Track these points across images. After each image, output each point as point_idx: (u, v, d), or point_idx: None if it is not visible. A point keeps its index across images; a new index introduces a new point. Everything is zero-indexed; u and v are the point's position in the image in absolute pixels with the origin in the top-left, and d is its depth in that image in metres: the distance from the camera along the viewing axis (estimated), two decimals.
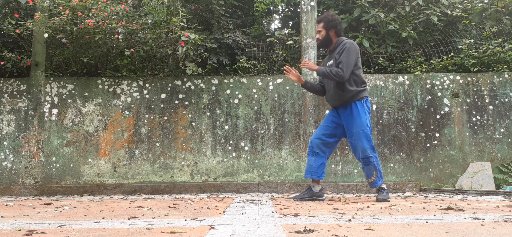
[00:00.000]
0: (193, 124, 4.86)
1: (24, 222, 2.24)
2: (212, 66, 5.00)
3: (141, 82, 4.92)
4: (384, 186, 3.45)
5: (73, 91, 4.89)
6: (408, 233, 1.80)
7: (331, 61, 3.49)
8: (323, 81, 3.70)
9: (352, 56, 3.35)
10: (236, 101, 4.89)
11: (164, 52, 4.84)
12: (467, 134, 4.80)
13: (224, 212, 2.64)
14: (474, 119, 4.82)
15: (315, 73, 4.94)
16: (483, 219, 2.21)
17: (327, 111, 4.82)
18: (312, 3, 5.12)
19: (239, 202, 3.31)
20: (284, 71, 3.69)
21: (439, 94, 4.88)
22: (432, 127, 4.82)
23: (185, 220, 2.26)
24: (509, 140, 4.78)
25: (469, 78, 4.90)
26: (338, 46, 3.47)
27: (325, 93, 3.70)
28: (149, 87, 4.91)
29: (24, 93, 4.88)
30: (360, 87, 3.43)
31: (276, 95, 4.90)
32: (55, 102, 4.87)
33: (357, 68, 3.42)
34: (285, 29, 5.79)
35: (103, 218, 2.37)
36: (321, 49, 5.32)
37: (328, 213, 2.56)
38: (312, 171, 3.50)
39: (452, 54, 5.15)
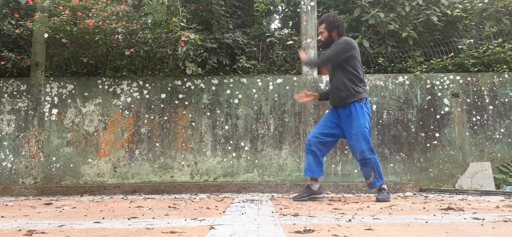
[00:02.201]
0: (193, 124, 4.86)
1: (24, 222, 2.24)
2: (212, 66, 5.00)
3: (141, 82, 4.92)
4: (384, 186, 3.45)
5: (73, 91, 4.89)
6: (408, 233, 1.81)
7: None
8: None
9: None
10: (236, 101, 4.89)
11: (164, 52, 4.84)
12: (467, 134, 4.80)
13: (224, 212, 2.64)
14: (474, 119, 4.82)
15: (315, 74, 4.94)
16: (483, 219, 2.21)
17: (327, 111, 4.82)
18: (312, 3, 5.12)
19: (239, 202, 3.31)
20: (297, 99, 3.71)
21: (439, 94, 4.88)
22: (432, 127, 4.82)
23: (185, 220, 2.26)
24: (509, 140, 4.77)
25: (469, 78, 4.90)
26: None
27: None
28: (149, 87, 4.91)
29: (24, 93, 4.88)
30: (359, 87, 3.42)
31: (276, 95, 4.90)
32: (55, 102, 4.87)
33: (353, 67, 3.41)
34: (285, 29, 5.79)
35: (103, 218, 2.37)
36: (321, 50, 5.32)
37: (328, 213, 2.56)
38: (312, 170, 3.51)
39: (452, 54, 5.15)
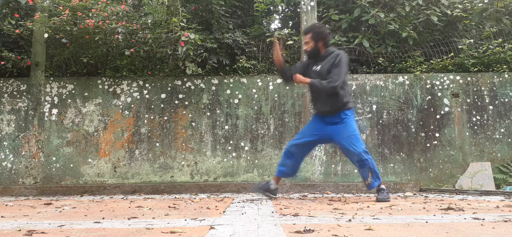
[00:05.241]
0: (193, 124, 4.86)
1: (24, 222, 2.24)
2: (212, 66, 5.00)
3: (141, 82, 4.92)
4: (383, 186, 3.46)
5: (73, 91, 4.89)
6: (408, 233, 1.81)
7: (318, 68, 3.50)
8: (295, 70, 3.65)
9: (345, 69, 3.44)
10: (236, 101, 4.89)
11: (164, 52, 4.84)
12: (467, 134, 4.80)
13: (224, 212, 2.64)
14: (474, 119, 4.82)
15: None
16: (483, 219, 2.21)
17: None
18: (312, 3, 5.12)
19: (239, 202, 3.31)
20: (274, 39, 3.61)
21: (439, 94, 4.88)
22: (432, 127, 4.82)
23: (185, 220, 2.26)
24: (509, 140, 4.77)
25: (469, 78, 4.90)
26: (328, 56, 3.49)
27: (289, 81, 3.67)
28: (149, 87, 4.91)
29: (24, 93, 4.88)
30: (348, 96, 3.50)
31: (276, 95, 4.90)
32: (55, 102, 4.87)
33: (347, 79, 3.51)
34: (285, 29, 5.79)
35: (103, 218, 2.37)
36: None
37: (328, 213, 2.56)
38: (286, 172, 3.65)
39: (452, 54, 5.15)
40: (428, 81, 4.90)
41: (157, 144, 4.82)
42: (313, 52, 3.55)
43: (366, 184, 3.48)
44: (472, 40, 5.21)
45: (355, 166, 3.57)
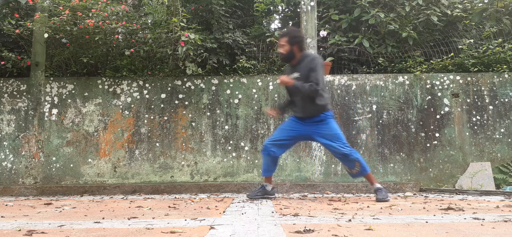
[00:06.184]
0: (193, 124, 4.86)
1: (24, 222, 2.24)
2: (212, 66, 5.00)
3: (141, 82, 4.92)
4: (379, 185, 3.49)
5: (73, 91, 4.89)
6: (408, 233, 1.81)
7: (297, 75, 3.52)
8: (290, 97, 3.74)
9: (322, 72, 3.47)
10: (236, 101, 4.89)
11: (164, 52, 4.84)
12: (467, 134, 4.80)
13: (224, 212, 2.64)
14: (474, 119, 4.82)
15: None
16: (483, 219, 2.21)
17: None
18: (312, 3, 5.12)
19: (239, 202, 3.31)
20: (268, 113, 3.83)
21: (439, 94, 4.88)
22: (432, 127, 4.82)
23: (185, 220, 2.26)
24: (509, 140, 4.77)
25: (469, 78, 4.90)
26: (303, 60, 3.53)
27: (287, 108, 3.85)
28: (149, 87, 4.91)
29: (24, 93, 4.88)
30: (326, 100, 3.53)
31: (276, 95, 4.91)
32: (55, 102, 4.87)
33: (324, 82, 3.55)
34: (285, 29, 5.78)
35: (103, 218, 2.37)
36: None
37: (328, 213, 2.56)
38: (270, 170, 3.68)
39: (452, 54, 5.15)
40: (428, 81, 4.90)
41: (157, 144, 4.82)
42: (288, 56, 3.59)
43: (353, 172, 3.54)
44: (472, 40, 5.21)
45: (340, 161, 3.62)
